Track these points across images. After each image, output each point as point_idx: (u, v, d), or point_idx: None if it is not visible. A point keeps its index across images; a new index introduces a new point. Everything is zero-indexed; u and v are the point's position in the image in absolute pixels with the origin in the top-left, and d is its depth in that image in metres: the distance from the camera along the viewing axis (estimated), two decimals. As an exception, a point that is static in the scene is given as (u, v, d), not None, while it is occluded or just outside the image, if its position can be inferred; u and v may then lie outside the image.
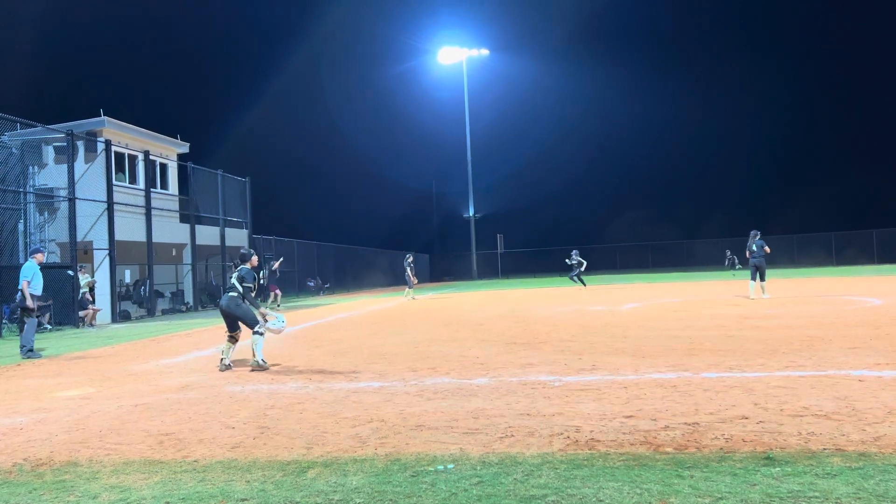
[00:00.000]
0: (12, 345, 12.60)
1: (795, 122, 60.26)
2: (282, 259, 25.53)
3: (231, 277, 8.37)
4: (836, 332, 9.21)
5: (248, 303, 8.10)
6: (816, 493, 3.16)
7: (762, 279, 16.30)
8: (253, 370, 7.84)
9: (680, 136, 65.36)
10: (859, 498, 3.08)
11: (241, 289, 8.04)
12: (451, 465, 3.50)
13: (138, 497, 3.55)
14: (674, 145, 65.67)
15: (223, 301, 8.20)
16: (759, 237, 16.45)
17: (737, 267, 35.34)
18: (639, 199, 63.89)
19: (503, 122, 63.63)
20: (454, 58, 54.53)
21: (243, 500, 3.45)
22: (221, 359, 8.11)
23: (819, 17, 61.82)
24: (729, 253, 36.56)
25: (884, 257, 44.40)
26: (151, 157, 22.18)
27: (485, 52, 55.19)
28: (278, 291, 23.80)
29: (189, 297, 23.79)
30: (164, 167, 23.69)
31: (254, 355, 7.97)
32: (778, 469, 3.51)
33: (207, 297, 25.17)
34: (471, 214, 56.19)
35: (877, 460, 3.58)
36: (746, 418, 4.60)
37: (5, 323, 15.59)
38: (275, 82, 65.49)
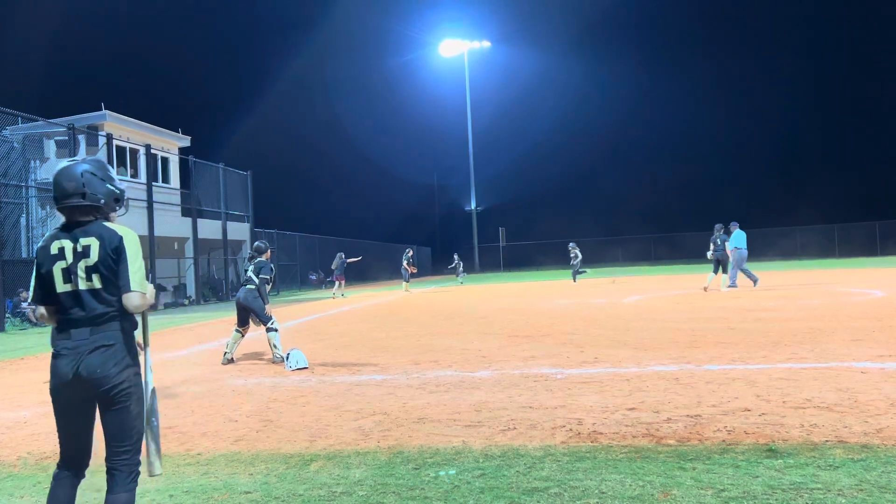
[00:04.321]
0: (16, 339, 12.66)
1: (797, 114, 60.02)
2: (360, 258, 27.48)
3: (247, 270, 8.37)
4: (839, 324, 9.20)
5: (260, 296, 8.08)
6: (819, 485, 3.16)
7: (724, 271, 16.85)
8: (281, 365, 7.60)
9: (683, 128, 64.96)
10: (861, 490, 3.08)
11: (257, 281, 8.03)
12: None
13: (142, 490, 3.55)
14: (677, 136, 65.29)
15: (241, 294, 8.20)
16: (723, 231, 16.98)
17: (460, 275, 32.96)
18: (643, 190, 63.68)
19: (505, 114, 63.21)
20: (456, 50, 54.39)
21: (247, 492, 3.46)
22: (225, 352, 8.12)
23: (823, 8, 61.48)
24: (456, 257, 34.16)
25: (886, 249, 44.29)
26: (153, 151, 22.17)
27: (486, 44, 55.03)
28: (343, 281, 24.26)
29: (191, 291, 23.84)
30: (165, 161, 23.70)
31: (273, 350, 7.94)
32: (780, 461, 3.52)
33: (210, 290, 25.22)
34: (472, 207, 56.15)
35: (879, 452, 3.59)
36: (749, 410, 4.60)
37: (8, 317, 15.65)
38: (276, 76, 65.25)
